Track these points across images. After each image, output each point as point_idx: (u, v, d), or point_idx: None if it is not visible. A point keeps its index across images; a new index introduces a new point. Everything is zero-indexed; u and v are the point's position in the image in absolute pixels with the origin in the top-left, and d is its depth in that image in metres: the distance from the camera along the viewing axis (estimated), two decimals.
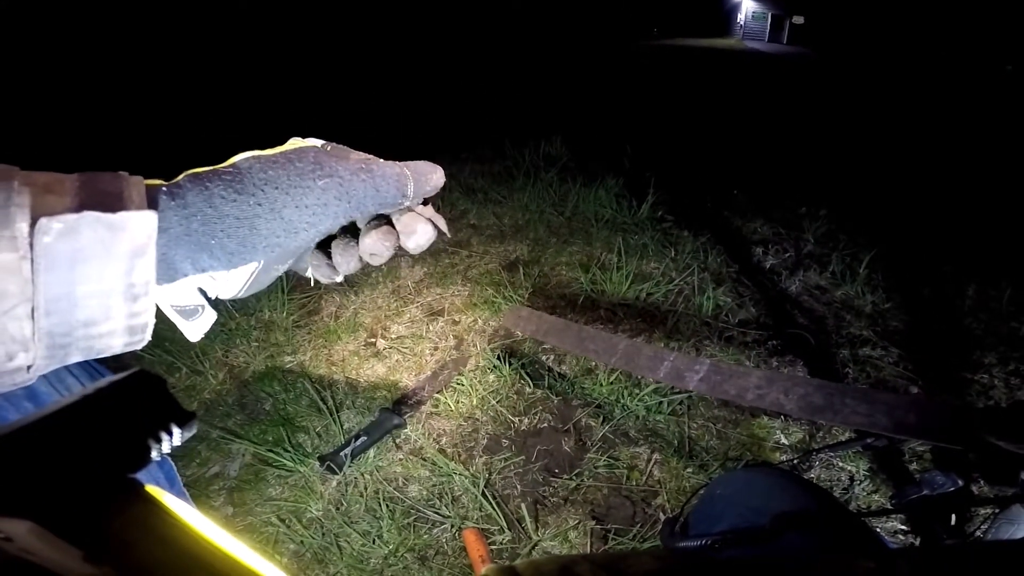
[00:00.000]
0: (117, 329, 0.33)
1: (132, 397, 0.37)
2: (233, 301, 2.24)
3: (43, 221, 0.28)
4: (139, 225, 0.31)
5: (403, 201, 0.41)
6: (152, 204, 0.33)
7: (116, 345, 0.34)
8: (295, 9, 13.26)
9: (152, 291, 0.33)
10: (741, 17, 49.02)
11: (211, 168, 0.36)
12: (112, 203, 0.31)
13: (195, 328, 0.40)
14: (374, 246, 0.41)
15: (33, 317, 0.29)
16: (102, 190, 0.31)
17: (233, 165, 0.37)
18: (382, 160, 0.41)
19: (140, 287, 0.32)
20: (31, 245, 0.28)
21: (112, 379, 0.36)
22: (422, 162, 0.43)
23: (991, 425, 0.52)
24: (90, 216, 0.29)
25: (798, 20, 42.56)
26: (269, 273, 0.41)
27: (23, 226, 0.28)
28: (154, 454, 0.34)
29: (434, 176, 0.43)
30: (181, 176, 0.36)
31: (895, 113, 7.83)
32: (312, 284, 0.44)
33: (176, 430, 0.36)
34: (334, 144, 0.41)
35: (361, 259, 0.43)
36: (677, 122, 6.21)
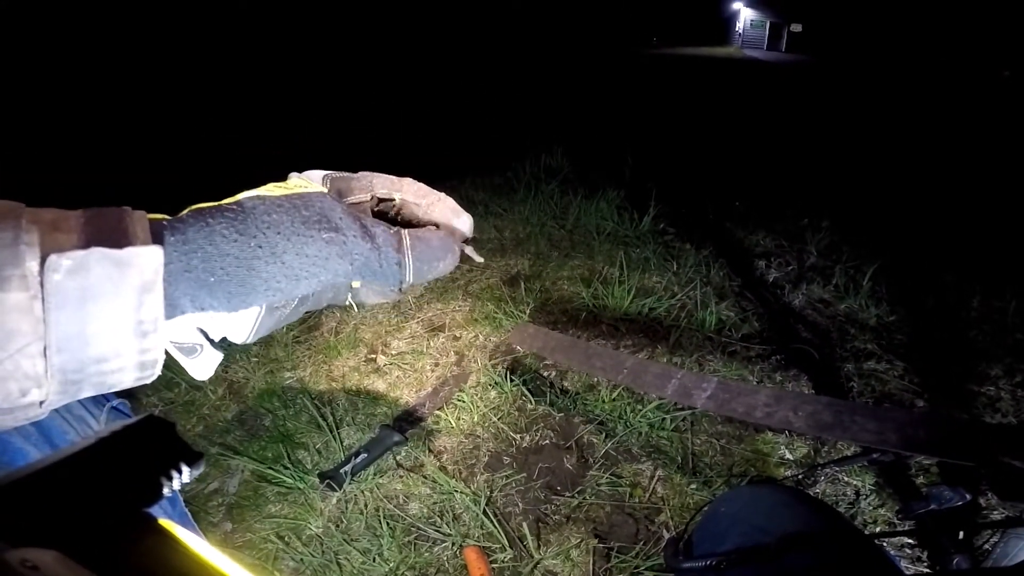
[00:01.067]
0: (128, 365, 0.33)
1: (144, 439, 0.39)
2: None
3: (52, 258, 0.28)
4: (146, 261, 0.31)
5: (398, 289, 0.40)
6: (157, 239, 0.32)
7: (127, 380, 0.34)
8: (295, 11, 13.34)
9: (161, 327, 0.33)
10: (739, 25, 49.33)
11: (215, 204, 0.36)
12: (118, 239, 0.31)
13: (197, 367, 0.39)
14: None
15: (45, 355, 0.29)
16: (107, 226, 0.31)
17: (238, 203, 0.36)
18: (385, 226, 0.40)
19: (149, 323, 0.32)
20: (41, 283, 0.28)
21: (126, 423, 0.38)
22: (433, 234, 0.40)
23: (1005, 443, 0.51)
24: (98, 252, 0.29)
25: (796, 28, 42.81)
26: (274, 318, 0.40)
27: (33, 264, 0.28)
28: (166, 491, 0.36)
29: (443, 263, 0.42)
30: (185, 211, 0.35)
31: (895, 121, 7.84)
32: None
33: (185, 469, 0.37)
34: (336, 174, 0.40)
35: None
36: (677, 132, 6.23)
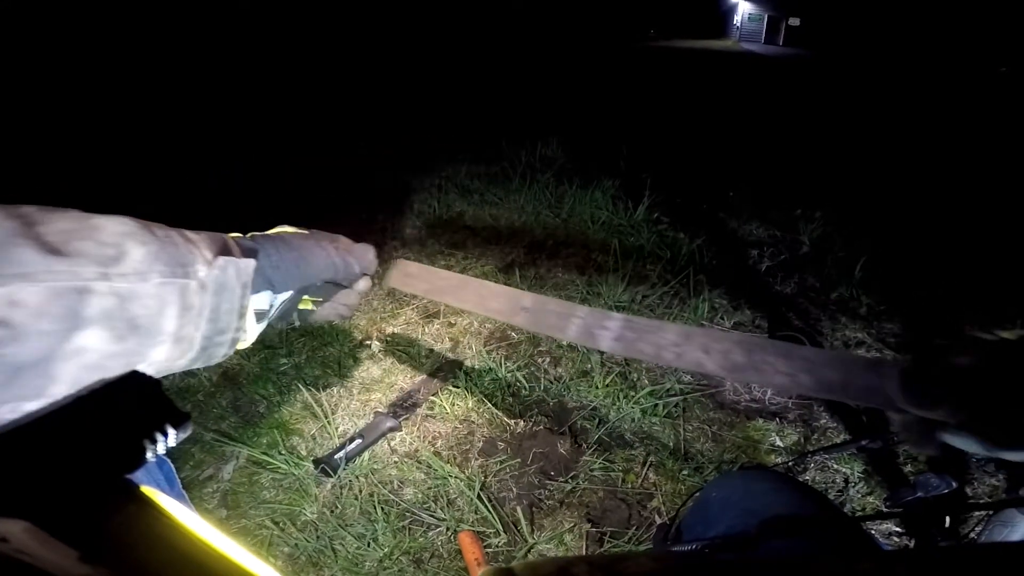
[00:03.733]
0: (228, 340, 0.47)
1: (127, 397, 0.37)
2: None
3: (220, 260, 0.45)
4: (248, 267, 0.47)
5: (356, 275, 0.64)
6: (248, 253, 0.50)
7: (221, 353, 0.47)
8: (296, 9, 13.24)
9: (249, 315, 0.50)
10: (737, 19, 49.18)
11: (270, 232, 0.57)
12: (231, 252, 0.47)
13: (257, 329, 0.53)
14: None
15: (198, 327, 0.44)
16: (220, 243, 0.47)
17: (279, 234, 0.57)
18: (347, 242, 0.63)
19: (245, 309, 0.48)
20: (204, 280, 0.44)
21: (106, 379, 0.37)
22: (360, 246, 0.65)
23: (904, 388, 0.47)
24: (226, 260, 0.45)
25: (794, 22, 42.70)
26: (293, 304, 0.60)
27: (203, 267, 0.44)
28: (149, 455, 0.35)
29: (367, 257, 0.64)
30: (250, 234, 0.55)
31: (890, 114, 7.86)
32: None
33: (171, 431, 0.37)
34: (313, 231, 0.62)
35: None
36: (673, 123, 6.22)
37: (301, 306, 0.62)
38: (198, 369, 1.99)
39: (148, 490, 0.35)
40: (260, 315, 0.54)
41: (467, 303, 0.68)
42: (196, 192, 3.75)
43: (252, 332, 0.52)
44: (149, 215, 0.45)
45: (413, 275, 0.71)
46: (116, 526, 0.30)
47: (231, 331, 0.47)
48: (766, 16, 46.01)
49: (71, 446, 0.33)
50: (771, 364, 0.53)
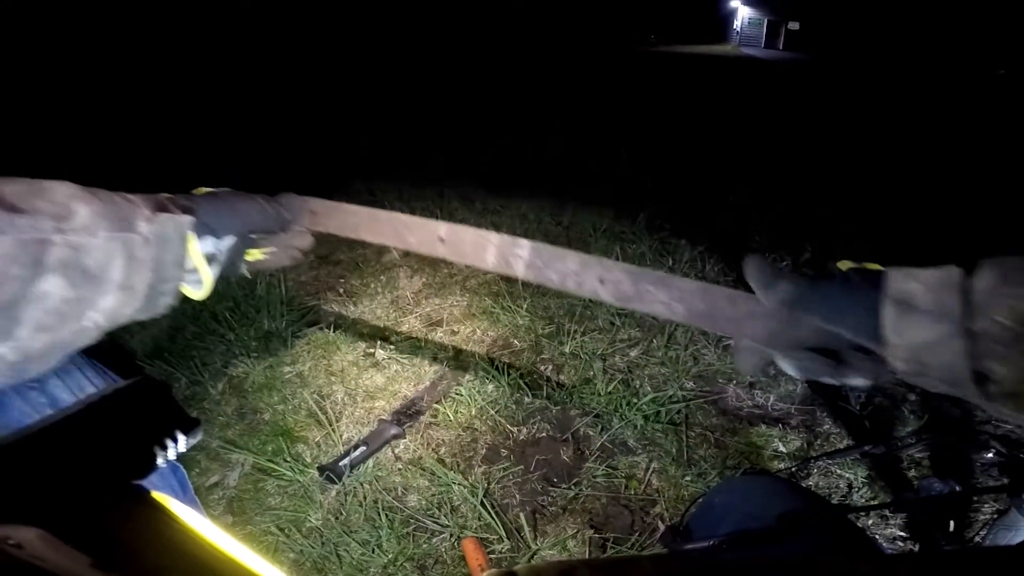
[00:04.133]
0: (171, 289, 0.54)
1: (137, 404, 0.38)
2: (233, 312, 2.26)
3: (160, 216, 0.51)
4: (185, 221, 0.53)
5: (287, 219, 0.68)
6: (184, 210, 0.55)
7: (165, 302, 0.54)
8: (296, 9, 13.30)
9: (200, 262, 0.57)
10: (737, 23, 49.32)
11: (206, 190, 0.62)
12: (169, 209, 0.53)
13: (210, 273, 0.58)
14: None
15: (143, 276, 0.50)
16: (159, 202, 0.53)
17: (212, 191, 0.62)
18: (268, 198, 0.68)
19: (183, 259, 0.54)
20: (146, 234, 0.50)
21: (117, 386, 0.38)
22: (284, 195, 0.70)
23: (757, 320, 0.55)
24: (166, 216, 0.52)
25: (793, 26, 42.81)
26: (239, 251, 0.64)
27: (143, 223, 0.50)
28: (160, 460, 0.36)
29: (293, 203, 0.70)
30: (191, 192, 0.60)
31: (890, 118, 7.87)
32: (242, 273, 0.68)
33: (181, 437, 0.38)
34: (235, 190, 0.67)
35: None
36: (674, 128, 6.24)
37: (250, 259, 0.66)
38: (203, 378, 2.02)
39: (159, 496, 0.36)
40: (209, 258, 0.59)
41: (384, 237, 0.67)
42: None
43: (207, 277, 0.58)
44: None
45: (320, 213, 0.69)
46: (127, 532, 0.31)
47: (173, 280, 0.54)
48: (766, 20, 46.13)
49: (81, 452, 0.34)
50: (652, 293, 0.58)
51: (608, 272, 0.59)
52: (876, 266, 0.53)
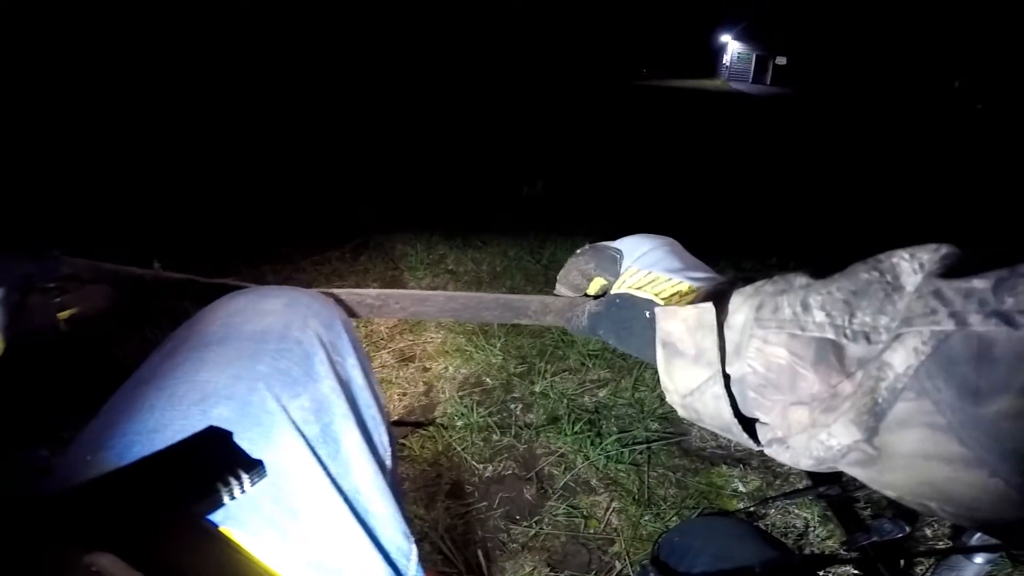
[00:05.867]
0: None
1: (204, 448, 0.42)
2: None
3: None
4: None
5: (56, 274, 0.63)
6: None
7: None
8: (296, 10, 13.46)
9: None
10: (727, 58, 50.47)
11: None
12: None
13: None
14: None
15: None
16: None
17: None
18: None
19: None
20: None
21: (186, 436, 0.43)
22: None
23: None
24: None
25: (781, 61, 43.89)
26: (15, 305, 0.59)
27: None
28: (225, 498, 0.39)
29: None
30: None
31: (872, 150, 8.08)
32: None
33: (245, 476, 0.40)
34: None
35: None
36: (658, 164, 6.38)
37: (62, 316, 0.64)
38: None
39: (226, 530, 0.39)
40: None
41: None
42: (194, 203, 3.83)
43: None
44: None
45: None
46: (192, 561, 0.34)
47: None
48: (754, 56, 47.30)
49: (153, 490, 0.37)
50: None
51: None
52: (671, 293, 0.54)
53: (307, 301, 0.57)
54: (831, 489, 1.77)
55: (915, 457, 0.33)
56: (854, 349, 0.36)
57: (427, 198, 4.51)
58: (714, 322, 0.42)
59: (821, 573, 1.55)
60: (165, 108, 7.78)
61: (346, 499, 0.47)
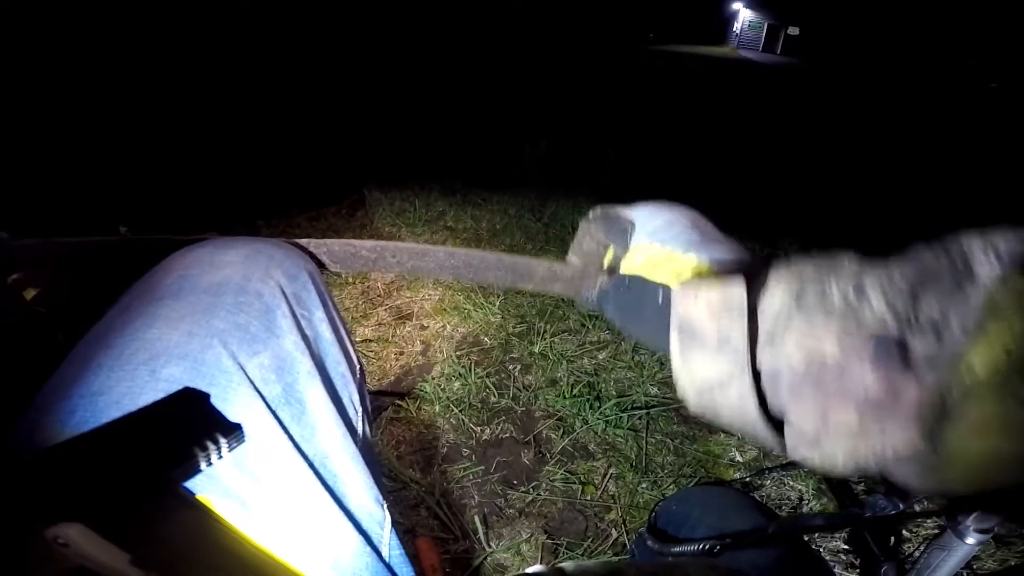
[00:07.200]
0: None
1: (179, 412, 0.40)
2: None
3: None
4: None
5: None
6: None
7: None
8: (296, 10, 13.13)
9: None
10: (737, 26, 49.41)
11: None
12: None
13: None
14: None
15: None
16: None
17: None
18: None
19: None
20: None
21: (160, 399, 0.38)
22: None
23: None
24: None
25: (793, 31, 42.98)
26: None
27: None
28: (203, 464, 0.37)
29: None
30: None
31: (882, 126, 7.94)
32: None
33: (223, 441, 0.38)
34: None
35: None
36: (663, 130, 6.25)
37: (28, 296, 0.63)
38: None
39: (204, 498, 0.38)
40: None
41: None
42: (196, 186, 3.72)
43: None
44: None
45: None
46: (168, 531, 0.32)
47: None
48: (766, 24, 46.27)
49: (124, 456, 0.35)
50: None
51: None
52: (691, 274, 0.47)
53: (270, 251, 0.53)
54: None
55: (988, 460, 0.30)
56: (921, 346, 0.31)
57: (426, 155, 4.39)
58: (744, 305, 0.36)
59: (809, 542, 1.53)
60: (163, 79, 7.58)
61: (311, 465, 0.44)
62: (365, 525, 0.48)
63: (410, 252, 0.64)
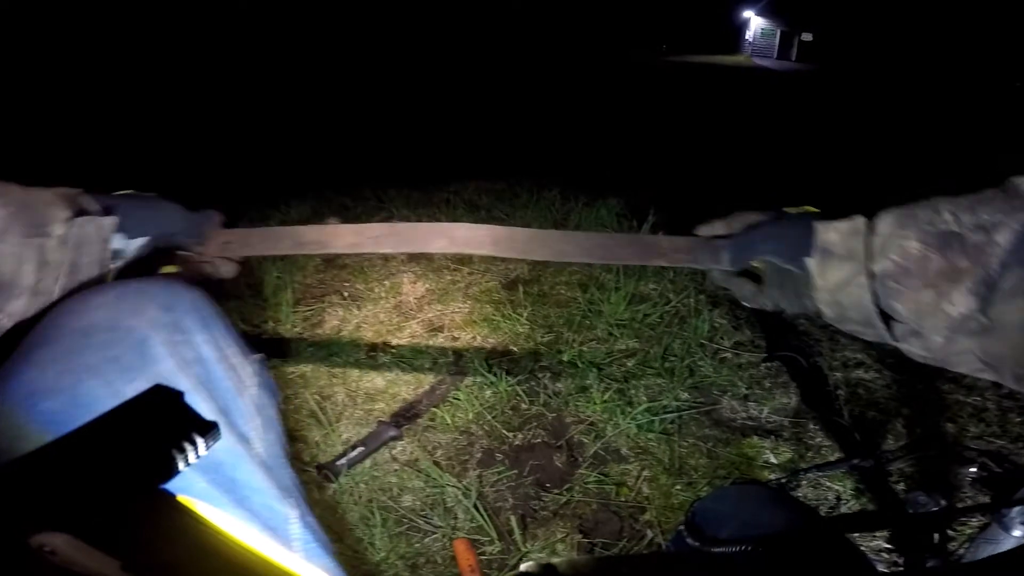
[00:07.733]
0: (96, 274, 0.57)
1: (152, 411, 0.41)
2: (239, 312, 2.31)
3: (78, 219, 0.53)
4: (108, 224, 0.56)
5: (202, 233, 0.69)
6: (106, 210, 0.58)
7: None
8: (295, 11, 13.40)
9: (106, 267, 0.59)
10: (750, 34, 49.28)
11: (116, 193, 0.63)
12: (88, 210, 0.56)
13: (115, 267, 0.61)
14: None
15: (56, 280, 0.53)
16: (78, 202, 0.56)
17: (128, 192, 0.64)
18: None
19: (108, 261, 0.58)
20: (63, 236, 0.52)
21: (131, 397, 0.41)
22: (206, 211, 0.71)
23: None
24: (84, 219, 0.54)
25: (807, 37, 42.73)
26: (148, 252, 0.64)
27: (60, 226, 0.52)
28: (181, 465, 0.37)
29: (213, 218, 0.71)
30: (111, 193, 0.63)
31: (897, 131, 7.87)
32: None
33: (200, 439, 0.38)
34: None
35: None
36: (681, 140, 6.27)
37: (164, 271, 0.67)
38: None
39: (186, 499, 0.38)
40: (115, 255, 0.60)
41: (286, 248, 0.76)
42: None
43: (113, 265, 0.59)
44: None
45: (235, 241, 0.72)
46: (154, 535, 0.32)
47: (91, 280, 0.55)
48: (779, 31, 46.08)
49: (102, 460, 0.35)
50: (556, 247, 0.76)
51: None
52: (813, 209, 0.66)
53: (141, 288, 0.58)
54: (864, 461, 1.75)
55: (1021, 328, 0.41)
56: (973, 238, 0.44)
57: (449, 170, 4.46)
58: (863, 229, 0.52)
59: (851, 540, 1.53)
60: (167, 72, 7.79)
61: (202, 472, 0.48)
62: (272, 523, 0.53)
63: (542, 238, 0.75)
